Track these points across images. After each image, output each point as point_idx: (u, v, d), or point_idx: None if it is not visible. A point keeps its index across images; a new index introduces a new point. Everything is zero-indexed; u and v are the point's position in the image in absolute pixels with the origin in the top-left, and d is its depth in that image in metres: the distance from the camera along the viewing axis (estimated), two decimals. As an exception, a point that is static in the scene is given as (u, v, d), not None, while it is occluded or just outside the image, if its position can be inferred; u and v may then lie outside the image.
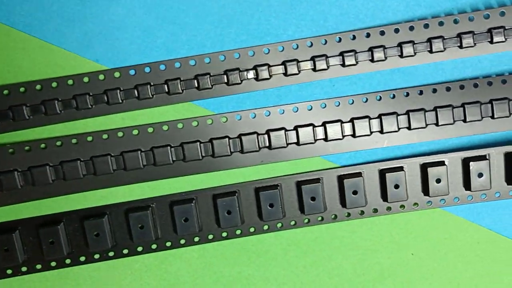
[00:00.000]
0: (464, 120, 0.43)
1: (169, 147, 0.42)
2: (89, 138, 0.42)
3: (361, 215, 0.44)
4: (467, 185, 0.44)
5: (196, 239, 0.43)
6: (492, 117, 0.43)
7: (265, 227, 0.44)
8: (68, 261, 0.43)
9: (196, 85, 0.42)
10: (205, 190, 0.43)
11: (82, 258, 0.43)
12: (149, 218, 0.42)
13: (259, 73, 0.42)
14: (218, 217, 0.43)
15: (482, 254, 0.47)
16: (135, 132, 0.42)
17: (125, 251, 0.43)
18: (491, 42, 0.42)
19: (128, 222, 0.42)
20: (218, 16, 0.42)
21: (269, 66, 0.42)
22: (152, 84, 0.41)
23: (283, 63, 0.42)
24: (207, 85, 0.42)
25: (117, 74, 0.41)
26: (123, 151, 0.42)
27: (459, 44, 0.43)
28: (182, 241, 0.43)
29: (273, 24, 0.42)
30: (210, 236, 0.44)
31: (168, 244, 0.43)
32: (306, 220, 0.44)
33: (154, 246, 0.43)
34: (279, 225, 0.44)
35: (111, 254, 0.43)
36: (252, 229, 0.44)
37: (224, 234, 0.44)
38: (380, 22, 0.43)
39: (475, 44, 0.42)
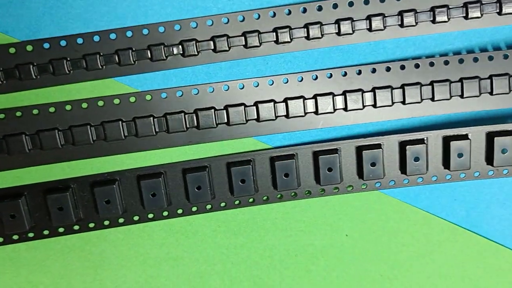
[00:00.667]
0: (403, 102, 0.42)
1: (88, 126, 0.40)
2: None
3: (294, 196, 0.43)
4: (403, 168, 0.43)
5: (165, 213, 0.42)
6: (432, 99, 0.42)
7: (236, 202, 0.43)
8: (76, 227, 0.41)
9: (117, 60, 0.39)
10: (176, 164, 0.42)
11: (91, 225, 0.42)
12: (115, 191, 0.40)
13: (185, 49, 0.39)
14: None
15: (417, 235, 0.46)
16: (51, 109, 0.39)
17: (136, 218, 0.42)
18: (433, 21, 0.40)
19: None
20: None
21: (197, 41, 0.39)
22: (68, 59, 0.38)
23: (212, 39, 0.39)
24: (129, 60, 0.39)
25: (29, 48, 0.38)
26: (38, 129, 0.39)
27: (400, 23, 0.40)
28: (150, 215, 0.42)
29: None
30: (180, 211, 0.42)
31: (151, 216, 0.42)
32: (237, 202, 0.43)
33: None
34: (250, 200, 0.43)
35: (121, 220, 0.42)
36: (223, 204, 0.42)
37: (194, 209, 0.42)
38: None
39: (416, 23, 0.40)
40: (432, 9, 0.40)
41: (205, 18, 0.39)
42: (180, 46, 0.39)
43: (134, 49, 0.39)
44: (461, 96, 0.42)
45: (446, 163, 0.43)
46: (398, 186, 0.43)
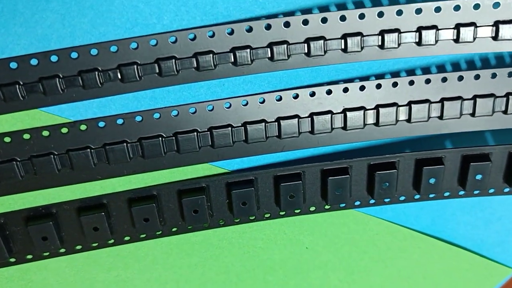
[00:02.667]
0: (377, 124, 0.37)
1: (14, 162, 0.34)
2: None
3: (252, 220, 0.40)
4: (370, 191, 0.40)
5: (111, 241, 0.38)
6: (408, 120, 0.37)
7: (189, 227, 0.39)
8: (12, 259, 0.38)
9: (42, 89, 0.32)
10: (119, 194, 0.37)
11: (29, 256, 0.38)
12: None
13: (124, 74, 0.33)
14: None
15: (380, 244, 0.44)
16: (-33, 146, 0.33)
17: (79, 247, 0.38)
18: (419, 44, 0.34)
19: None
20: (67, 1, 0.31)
21: (138, 65, 0.33)
22: (-20, 91, 0.32)
23: (157, 61, 0.33)
24: (56, 90, 0.32)
25: None
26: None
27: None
28: (94, 244, 0.38)
29: (143, 12, 0.32)
30: (127, 238, 0.39)
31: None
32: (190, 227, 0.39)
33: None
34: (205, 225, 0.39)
35: (62, 250, 0.38)
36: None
37: (143, 236, 0.38)
38: (291, 6, 0.33)
39: (399, 44, 0.34)
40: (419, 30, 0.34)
41: (147, 37, 0.32)
42: (118, 71, 0.33)
43: (61, 76, 0.32)
44: (440, 117, 0.38)
45: (416, 186, 0.40)
46: (364, 206, 0.41)
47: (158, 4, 0.31)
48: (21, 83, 0.32)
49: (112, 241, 0.38)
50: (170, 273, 0.42)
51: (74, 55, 0.32)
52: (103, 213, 0.36)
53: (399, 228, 0.44)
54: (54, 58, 0.32)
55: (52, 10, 0.30)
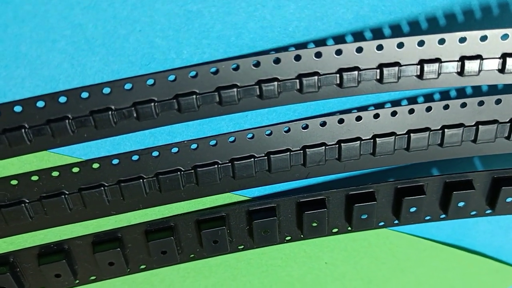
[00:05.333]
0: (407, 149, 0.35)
1: (23, 205, 0.32)
2: None
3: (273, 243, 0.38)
4: (396, 214, 0.38)
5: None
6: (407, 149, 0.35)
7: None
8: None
9: (50, 132, 0.29)
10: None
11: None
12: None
13: (140, 112, 0.30)
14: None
15: (399, 255, 0.43)
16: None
17: (93, 278, 0.36)
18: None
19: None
20: (77, 38, 0.27)
21: (155, 102, 0.30)
22: (-19, 137, 0.29)
23: (176, 97, 0.30)
24: (66, 132, 0.29)
25: None
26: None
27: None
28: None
29: (160, 46, 0.28)
30: (142, 267, 0.36)
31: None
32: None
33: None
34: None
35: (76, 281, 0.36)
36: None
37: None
38: (319, 35, 0.30)
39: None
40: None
41: (166, 73, 0.29)
42: (133, 109, 0.30)
43: (71, 117, 0.29)
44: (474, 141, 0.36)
45: (444, 208, 0.38)
46: (388, 226, 0.39)
47: (177, 38, 0.28)
48: (27, 126, 0.29)
49: (127, 270, 0.37)
50: (186, 294, 0.40)
51: (84, 95, 0.28)
52: (118, 249, 0.34)
53: (420, 240, 0.43)
54: (62, 99, 0.28)
55: (59, 50, 0.27)
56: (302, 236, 0.38)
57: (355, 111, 0.34)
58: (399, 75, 0.31)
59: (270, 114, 0.33)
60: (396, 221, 0.38)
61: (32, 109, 0.28)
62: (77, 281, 0.36)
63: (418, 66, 0.31)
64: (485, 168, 0.40)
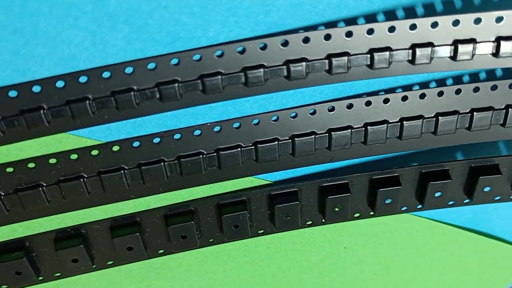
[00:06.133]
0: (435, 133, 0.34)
1: (41, 189, 0.30)
2: None
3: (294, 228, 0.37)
4: (420, 199, 0.37)
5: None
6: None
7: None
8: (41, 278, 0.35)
9: (70, 113, 0.28)
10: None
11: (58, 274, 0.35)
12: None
13: (163, 93, 0.28)
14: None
15: (418, 240, 0.43)
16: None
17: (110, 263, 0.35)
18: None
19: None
20: (99, 14, 0.26)
21: (179, 82, 0.28)
22: (0, 118, 0.27)
23: (200, 78, 0.29)
24: (86, 113, 0.28)
25: None
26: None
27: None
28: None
29: (186, 24, 0.27)
30: (161, 251, 0.36)
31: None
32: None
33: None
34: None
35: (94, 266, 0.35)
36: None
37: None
38: (350, 13, 0.29)
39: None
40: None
41: (190, 52, 0.27)
42: (156, 90, 0.28)
43: (92, 98, 0.28)
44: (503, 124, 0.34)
45: (469, 192, 0.37)
46: (411, 211, 0.38)
47: (203, 15, 0.27)
48: (46, 107, 0.28)
49: (146, 255, 0.36)
50: (204, 279, 0.40)
51: (106, 74, 0.27)
52: (137, 234, 0.34)
53: (440, 224, 0.42)
54: (83, 79, 0.27)
55: (80, 28, 0.25)
56: (323, 221, 0.37)
57: (383, 93, 0.33)
58: (431, 56, 0.30)
59: (296, 95, 0.31)
60: (419, 206, 0.38)
61: (51, 89, 0.27)
62: (94, 266, 0.35)
63: (453, 47, 0.30)
64: (510, 153, 0.39)
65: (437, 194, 0.36)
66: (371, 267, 0.44)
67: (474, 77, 0.34)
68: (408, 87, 0.33)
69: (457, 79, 0.34)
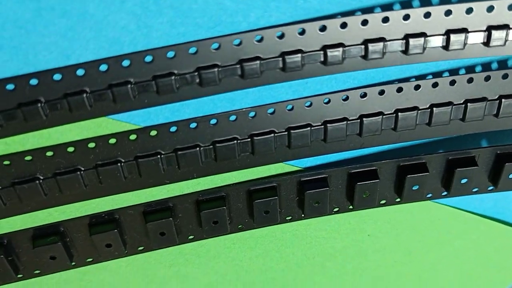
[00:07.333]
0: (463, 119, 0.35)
1: (78, 173, 0.31)
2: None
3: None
4: (446, 185, 0.38)
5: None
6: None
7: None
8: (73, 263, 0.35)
9: (112, 97, 0.28)
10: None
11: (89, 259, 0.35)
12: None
13: (203, 78, 0.29)
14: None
15: (440, 227, 0.43)
16: (27, 158, 0.30)
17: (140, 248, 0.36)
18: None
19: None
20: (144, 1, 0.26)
21: (219, 67, 0.29)
22: (43, 101, 0.28)
23: (239, 63, 0.29)
24: (127, 97, 0.28)
25: (-15, 91, 0.27)
26: (12, 181, 0.30)
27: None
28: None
29: (228, 9, 0.27)
30: (191, 237, 0.36)
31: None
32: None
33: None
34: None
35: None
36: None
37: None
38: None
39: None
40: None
41: (231, 37, 0.28)
42: (196, 74, 0.29)
43: (133, 81, 0.28)
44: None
45: (494, 180, 0.38)
46: (436, 198, 0.39)
47: (245, 0, 0.27)
48: (88, 91, 0.28)
49: (177, 241, 0.36)
50: (230, 266, 0.40)
51: (148, 58, 0.28)
52: (170, 219, 0.34)
53: (462, 212, 0.43)
54: (126, 63, 0.27)
55: (126, 11, 0.26)
56: (351, 207, 0.37)
57: (414, 79, 0.34)
58: (465, 42, 0.31)
59: (330, 81, 0.32)
60: (445, 193, 0.38)
61: (95, 72, 0.27)
62: (126, 251, 0.35)
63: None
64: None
65: (464, 181, 0.37)
66: (393, 254, 0.44)
67: (502, 64, 0.35)
68: (438, 74, 0.34)
69: (484, 67, 0.34)
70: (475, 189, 0.38)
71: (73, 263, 0.35)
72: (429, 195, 0.38)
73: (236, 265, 0.40)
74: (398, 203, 0.38)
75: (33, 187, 0.30)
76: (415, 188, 0.37)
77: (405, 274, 0.46)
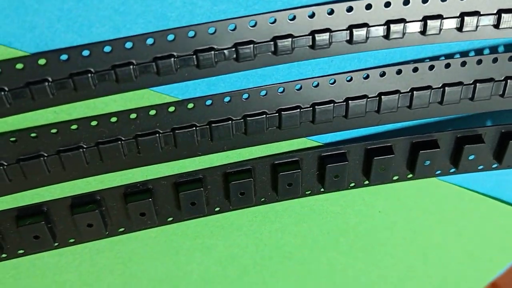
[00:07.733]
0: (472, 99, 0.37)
1: (119, 142, 0.33)
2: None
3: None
4: (455, 162, 0.40)
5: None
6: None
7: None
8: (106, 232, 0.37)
9: (156, 70, 0.30)
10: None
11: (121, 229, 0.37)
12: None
13: (240, 53, 0.31)
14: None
15: (446, 206, 0.46)
16: (73, 126, 0.32)
17: (170, 219, 0.38)
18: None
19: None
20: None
21: (255, 43, 0.31)
22: (93, 71, 0.30)
23: (274, 40, 0.31)
24: (170, 70, 0.31)
25: (42, 61, 0.28)
26: (58, 149, 0.32)
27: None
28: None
29: (263, -12, 0.30)
30: (217, 209, 0.38)
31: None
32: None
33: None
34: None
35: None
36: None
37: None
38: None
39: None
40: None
41: (265, 16, 0.30)
42: (234, 50, 0.31)
43: (176, 55, 0.30)
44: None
45: (498, 157, 0.40)
46: (444, 175, 0.41)
47: (279, -20, 0.30)
48: (135, 63, 0.30)
49: (205, 211, 0.38)
50: (251, 239, 0.42)
51: (191, 33, 0.30)
52: (201, 189, 0.36)
53: (466, 191, 0.45)
54: (170, 37, 0.30)
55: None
56: (366, 182, 0.40)
57: (428, 60, 0.36)
58: (477, 25, 0.33)
59: (353, 60, 0.34)
60: (453, 169, 0.41)
61: (142, 46, 0.30)
62: (157, 222, 0.37)
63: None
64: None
65: (471, 157, 0.40)
66: (401, 232, 0.47)
67: (508, 47, 0.37)
68: (450, 56, 0.36)
69: (491, 49, 0.37)
70: (481, 167, 0.41)
71: (107, 232, 0.37)
72: (438, 172, 0.41)
73: (257, 238, 0.42)
74: (410, 179, 0.41)
75: (77, 156, 0.32)
76: (426, 163, 0.39)
77: (412, 251, 0.48)
